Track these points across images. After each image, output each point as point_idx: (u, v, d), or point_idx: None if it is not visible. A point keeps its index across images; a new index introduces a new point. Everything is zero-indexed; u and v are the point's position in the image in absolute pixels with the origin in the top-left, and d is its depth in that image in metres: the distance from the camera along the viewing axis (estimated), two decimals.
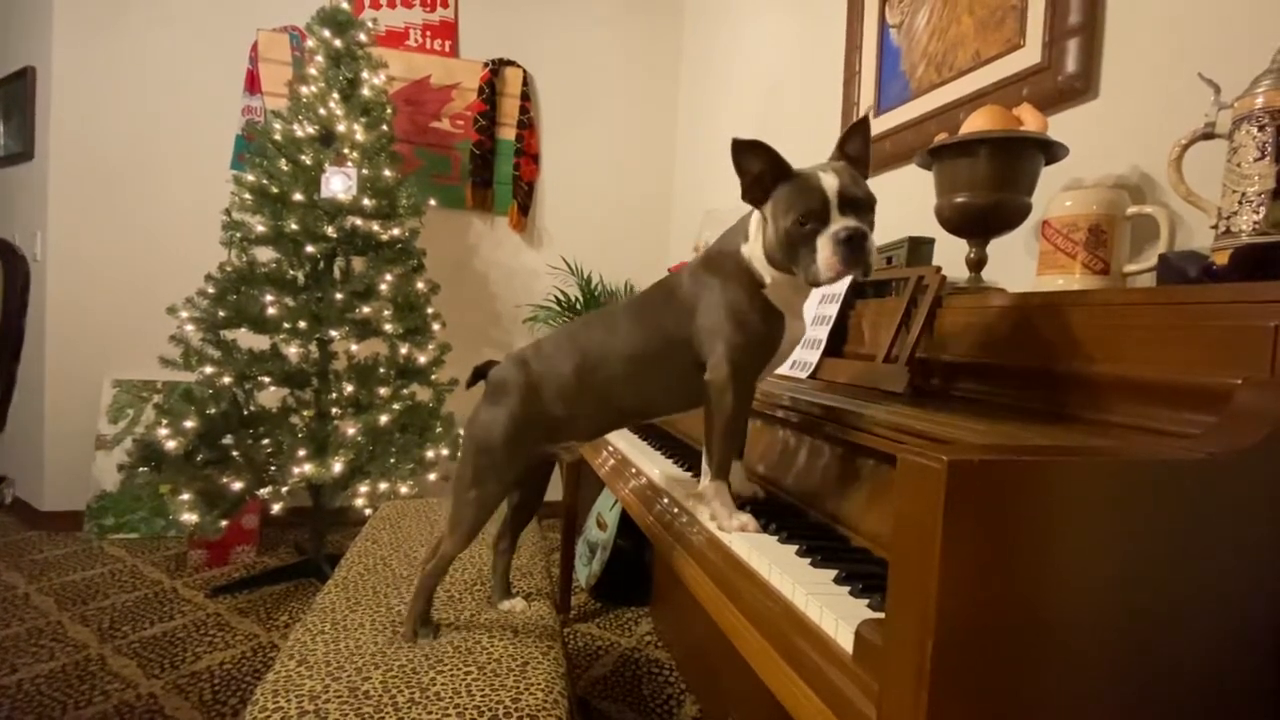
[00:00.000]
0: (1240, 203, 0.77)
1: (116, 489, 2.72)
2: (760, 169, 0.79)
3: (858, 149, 0.82)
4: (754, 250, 0.84)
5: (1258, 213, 0.76)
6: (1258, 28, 0.96)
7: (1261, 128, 0.76)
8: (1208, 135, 0.88)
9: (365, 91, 2.41)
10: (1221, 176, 0.81)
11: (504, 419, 0.94)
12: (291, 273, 2.31)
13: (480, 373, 1.01)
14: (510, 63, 3.14)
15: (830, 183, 0.75)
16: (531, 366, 0.95)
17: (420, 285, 2.45)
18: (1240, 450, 0.52)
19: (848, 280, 1.20)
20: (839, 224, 0.74)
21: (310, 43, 2.39)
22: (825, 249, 0.75)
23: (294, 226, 2.22)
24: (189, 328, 2.21)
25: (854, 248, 0.74)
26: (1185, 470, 0.50)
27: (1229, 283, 0.73)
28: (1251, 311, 0.58)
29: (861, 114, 0.84)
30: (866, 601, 0.61)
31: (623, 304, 0.95)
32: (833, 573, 0.67)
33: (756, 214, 0.84)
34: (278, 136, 2.30)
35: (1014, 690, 0.45)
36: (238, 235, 2.26)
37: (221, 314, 2.20)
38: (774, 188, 0.79)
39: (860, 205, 0.76)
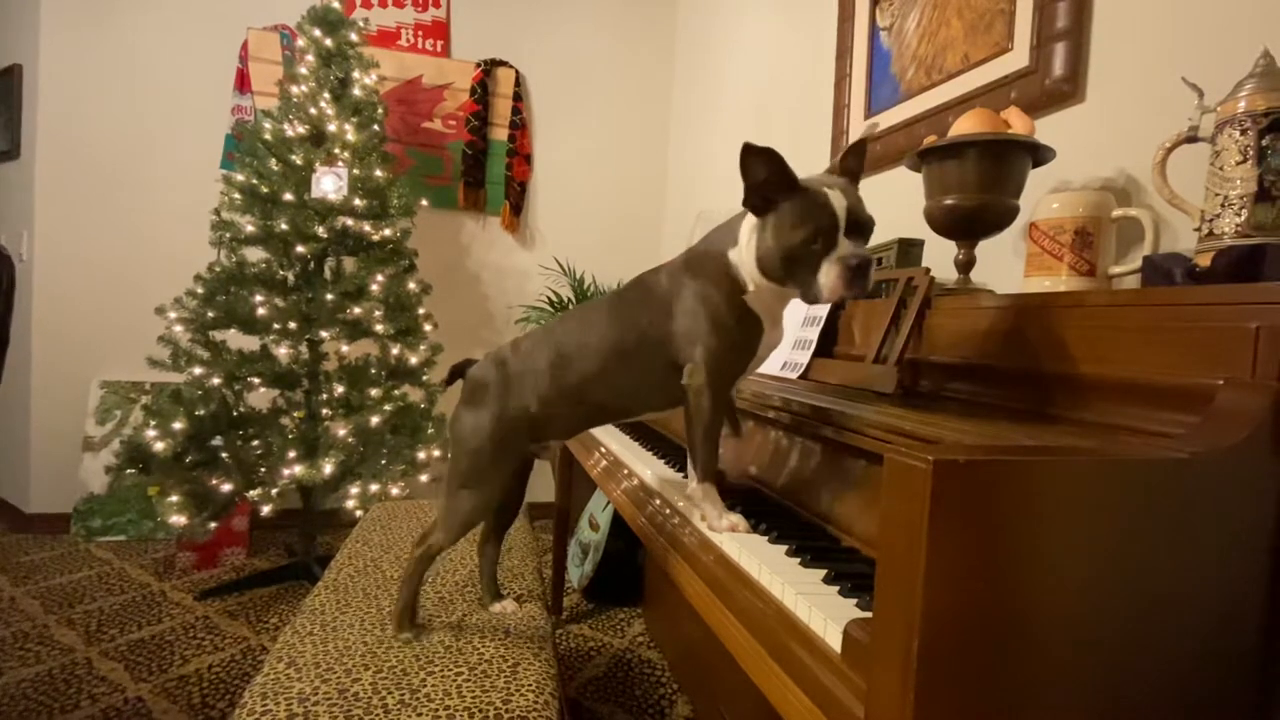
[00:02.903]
0: (1223, 205, 0.78)
1: (104, 491, 2.70)
2: (766, 177, 0.77)
3: (855, 165, 0.83)
4: (744, 256, 0.83)
5: (1240, 215, 0.77)
6: (1241, 33, 0.97)
7: (1244, 131, 0.77)
8: (1191, 139, 0.89)
9: (356, 91, 2.40)
10: (1205, 179, 0.82)
11: (487, 420, 0.94)
12: (282, 273, 2.30)
13: (458, 371, 1.00)
14: (503, 63, 3.14)
15: (840, 202, 0.75)
16: (509, 365, 0.95)
17: (412, 286, 2.44)
18: (1222, 450, 0.52)
19: None
20: (847, 249, 0.74)
21: (301, 42, 2.37)
22: (832, 273, 0.75)
23: (284, 226, 2.21)
24: (178, 328, 2.19)
25: (860, 275, 0.74)
26: (1168, 470, 0.51)
27: (1212, 284, 0.74)
28: (1234, 313, 0.59)
29: (867, 129, 0.85)
30: (855, 601, 0.61)
31: (599, 300, 0.94)
32: (822, 572, 0.67)
33: (750, 220, 0.82)
34: (268, 136, 2.29)
35: (1000, 688, 0.45)
36: (227, 235, 2.25)
37: (211, 314, 2.19)
38: (778, 199, 0.78)
39: (864, 229, 0.77)
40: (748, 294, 0.84)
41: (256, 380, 2.23)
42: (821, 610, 0.58)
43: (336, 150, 2.32)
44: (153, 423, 2.08)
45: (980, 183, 1.05)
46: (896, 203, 1.62)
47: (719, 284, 0.84)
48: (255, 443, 2.20)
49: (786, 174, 0.77)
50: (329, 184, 2.24)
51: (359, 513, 2.20)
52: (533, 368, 0.93)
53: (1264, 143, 0.75)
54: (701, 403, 0.84)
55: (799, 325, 1.26)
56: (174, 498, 2.05)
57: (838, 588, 0.64)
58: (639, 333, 0.88)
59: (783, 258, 0.78)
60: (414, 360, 2.45)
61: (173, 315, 2.19)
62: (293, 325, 2.21)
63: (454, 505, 0.97)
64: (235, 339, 2.26)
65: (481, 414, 0.95)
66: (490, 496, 0.98)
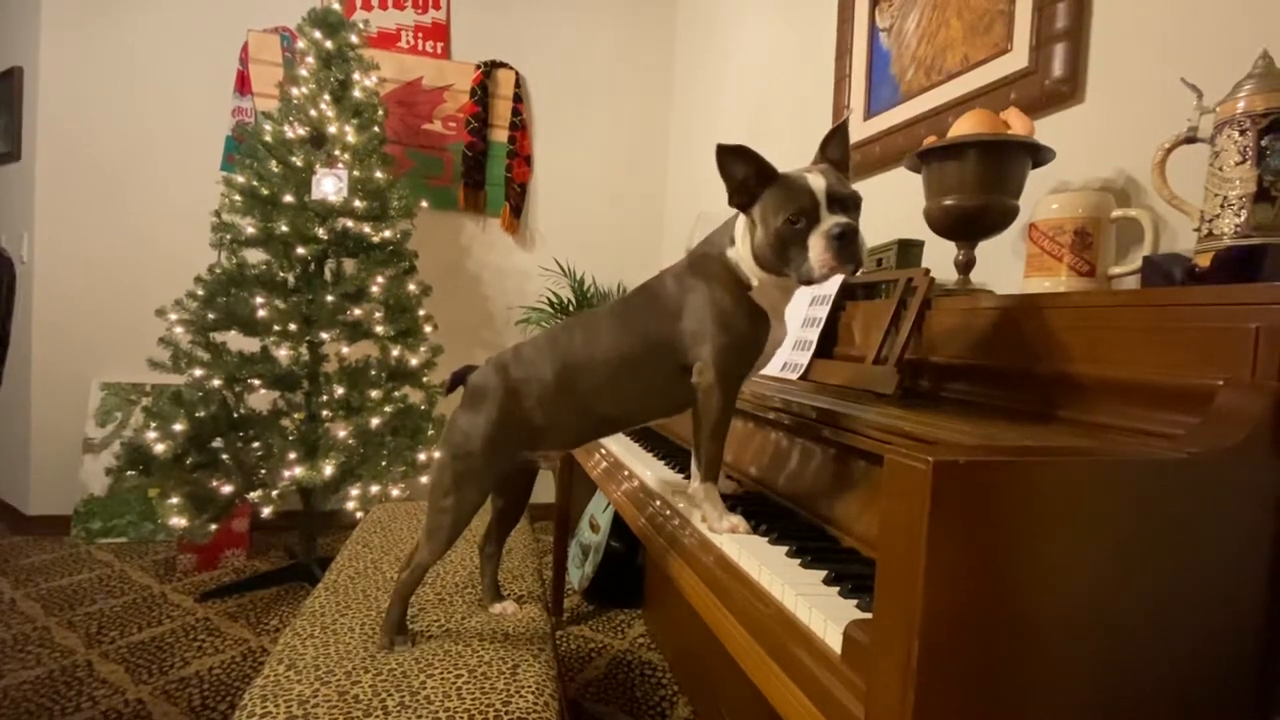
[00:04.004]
0: (1222, 206, 0.78)
1: (104, 493, 2.70)
2: (746, 173, 0.80)
3: (839, 151, 0.83)
4: (741, 253, 0.84)
5: (1239, 216, 0.77)
6: (1240, 34, 0.97)
7: (1243, 132, 0.77)
8: (1190, 139, 0.89)
9: (356, 93, 2.40)
10: (1204, 180, 0.82)
11: (482, 425, 0.93)
12: (282, 275, 2.30)
13: (459, 378, 0.99)
14: (502, 64, 3.14)
15: (818, 183, 0.76)
16: (511, 372, 0.94)
17: (412, 287, 2.45)
18: (1222, 450, 0.52)
19: (838, 282, 1.20)
20: (830, 221, 0.75)
21: (301, 44, 2.38)
22: (818, 246, 0.75)
23: (284, 228, 2.21)
24: (178, 330, 2.19)
25: (846, 243, 0.75)
26: (1167, 470, 0.51)
27: (1211, 285, 0.74)
28: (1233, 313, 0.59)
29: (845, 116, 0.85)
30: (855, 602, 0.61)
31: (604, 307, 0.94)
32: (822, 573, 0.67)
33: (742, 218, 0.84)
34: (268, 138, 2.29)
35: (999, 688, 0.45)
36: (227, 237, 2.25)
37: (211, 316, 2.19)
38: (760, 191, 0.80)
39: (848, 203, 0.77)
40: (752, 289, 0.85)
41: (257, 382, 2.23)
42: (822, 611, 0.58)
43: (337, 152, 2.32)
44: (153, 424, 2.08)
45: (980, 183, 1.05)
46: (896, 203, 1.62)
47: (725, 283, 0.85)
48: (256, 444, 2.20)
49: (763, 166, 0.79)
50: (329, 186, 2.25)
51: (359, 514, 2.20)
52: (537, 376, 0.92)
53: (1263, 143, 0.75)
54: (711, 401, 0.84)
55: (799, 326, 1.26)
56: (174, 499, 2.05)
57: (838, 589, 0.64)
58: (646, 338, 0.88)
59: (772, 243, 0.79)
60: (414, 362, 2.45)
61: (173, 317, 2.19)
62: (293, 327, 2.21)
63: (438, 514, 0.96)
64: (236, 340, 2.26)
65: (477, 419, 0.94)
66: (475, 504, 0.96)
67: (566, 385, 0.91)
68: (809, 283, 0.79)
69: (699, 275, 0.87)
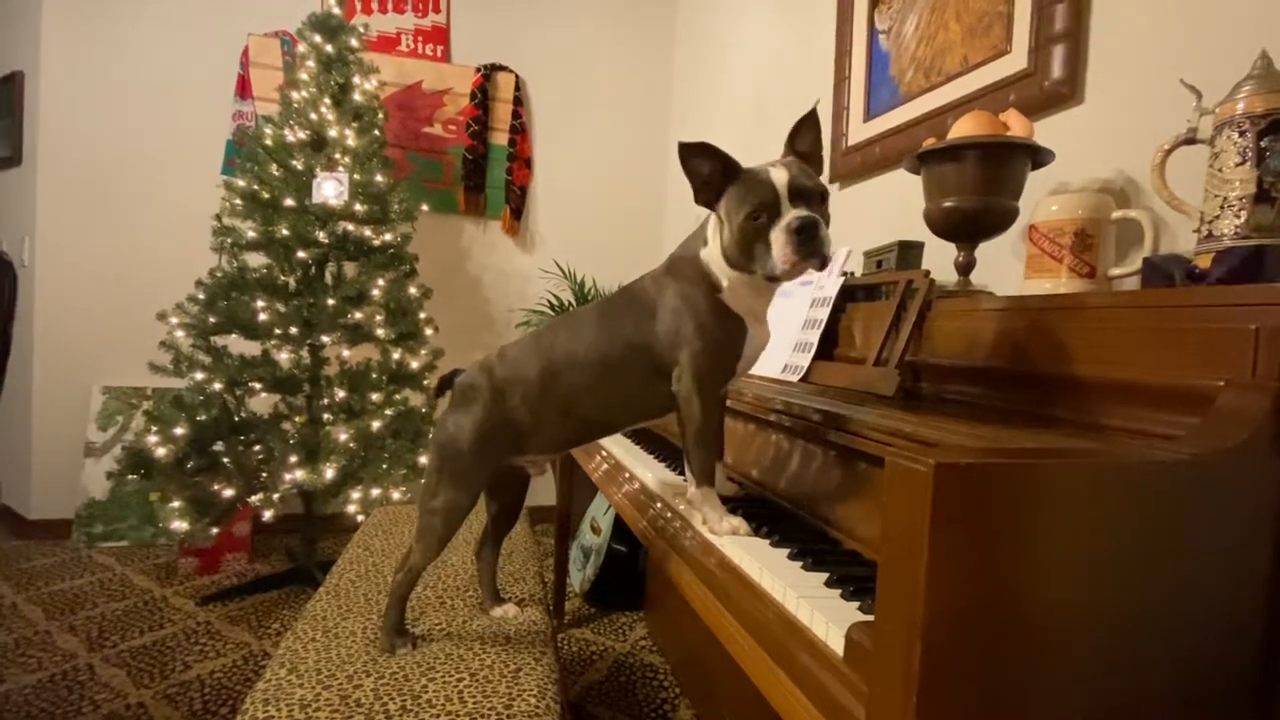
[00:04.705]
0: (1222, 207, 0.78)
1: (106, 497, 2.70)
2: (710, 170, 0.79)
3: (808, 144, 0.82)
4: (712, 253, 0.84)
5: (1239, 216, 0.77)
6: (1239, 35, 0.97)
7: (1242, 133, 0.77)
8: (1190, 140, 0.89)
9: (357, 96, 2.40)
10: (1204, 181, 0.82)
11: (469, 426, 0.93)
12: (283, 278, 2.30)
13: (446, 382, 1.00)
14: (502, 68, 3.15)
15: (779, 176, 0.75)
16: (496, 372, 0.94)
17: (412, 290, 2.45)
18: (1223, 451, 0.52)
19: (838, 284, 1.20)
20: (791, 214, 0.74)
21: (301, 47, 2.38)
22: (779, 241, 0.75)
23: (285, 232, 2.21)
24: (179, 334, 2.20)
25: (806, 237, 0.74)
26: (1169, 471, 0.51)
27: (1211, 285, 0.74)
28: (1234, 314, 0.59)
29: (814, 105, 0.84)
30: (858, 604, 0.61)
31: (586, 307, 0.94)
32: (824, 576, 0.67)
33: (714, 217, 0.84)
34: (269, 141, 2.30)
35: (1001, 691, 0.45)
36: (228, 241, 2.25)
37: (212, 320, 2.19)
38: (725, 188, 0.79)
39: (811, 196, 0.76)
40: (722, 292, 0.84)
41: (258, 385, 2.23)
42: (824, 614, 0.58)
43: (337, 155, 2.32)
44: (154, 428, 2.08)
45: (979, 185, 1.05)
46: (896, 205, 1.62)
47: (696, 284, 0.85)
48: (257, 448, 2.20)
49: (727, 162, 0.79)
50: (330, 189, 2.25)
51: (360, 517, 2.20)
52: (521, 376, 0.93)
53: (1262, 144, 0.75)
54: (691, 408, 0.84)
55: (799, 328, 1.26)
56: (175, 503, 2.05)
57: (840, 591, 0.64)
58: (625, 340, 0.88)
59: (736, 240, 0.78)
60: (415, 365, 2.45)
61: (174, 320, 2.19)
62: (294, 330, 2.21)
63: (429, 516, 0.96)
64: (236, 344, 2.26)
65: (464, 419, 0.94)
66: (464, 506, 0.96)
67: (549, 386, 0.91)
68: (774, 279, 0.78)
69: (674, 277, 0.87)
